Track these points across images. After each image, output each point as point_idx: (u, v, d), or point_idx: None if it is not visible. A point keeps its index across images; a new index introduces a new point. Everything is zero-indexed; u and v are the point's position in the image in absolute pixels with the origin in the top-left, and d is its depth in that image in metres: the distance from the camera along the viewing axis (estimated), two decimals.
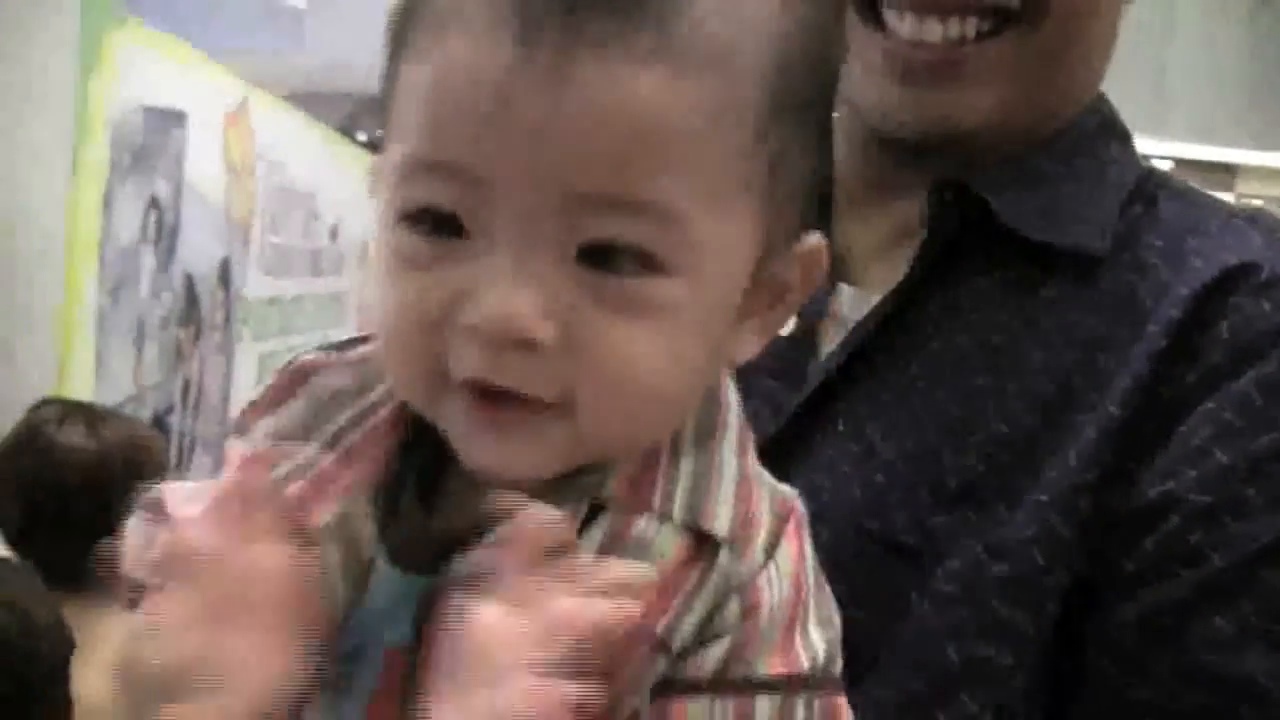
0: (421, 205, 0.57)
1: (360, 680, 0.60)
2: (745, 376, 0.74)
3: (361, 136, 6.51)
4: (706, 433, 0.62)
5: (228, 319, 4.70)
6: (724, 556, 0.59)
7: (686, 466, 0.60)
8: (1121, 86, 0.97)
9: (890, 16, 0.86)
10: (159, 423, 4.08)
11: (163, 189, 4.08)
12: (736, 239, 0.59)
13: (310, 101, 5.58)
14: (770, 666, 0.59)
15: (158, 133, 4.00)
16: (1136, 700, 0.76)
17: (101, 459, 2.08)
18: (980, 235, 0.86)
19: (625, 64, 0.54)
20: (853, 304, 0.89)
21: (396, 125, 0.59)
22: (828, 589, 0.64)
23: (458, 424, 0.58)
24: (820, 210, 0.73)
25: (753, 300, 0.62)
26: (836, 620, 0.64)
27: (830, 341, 0.89)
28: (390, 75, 0.60)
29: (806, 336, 0.89)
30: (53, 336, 3.64)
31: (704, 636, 0.58)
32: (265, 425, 0.65)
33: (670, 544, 0.58)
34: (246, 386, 4.83)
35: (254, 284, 4.89)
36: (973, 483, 0.80)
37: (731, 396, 0.65)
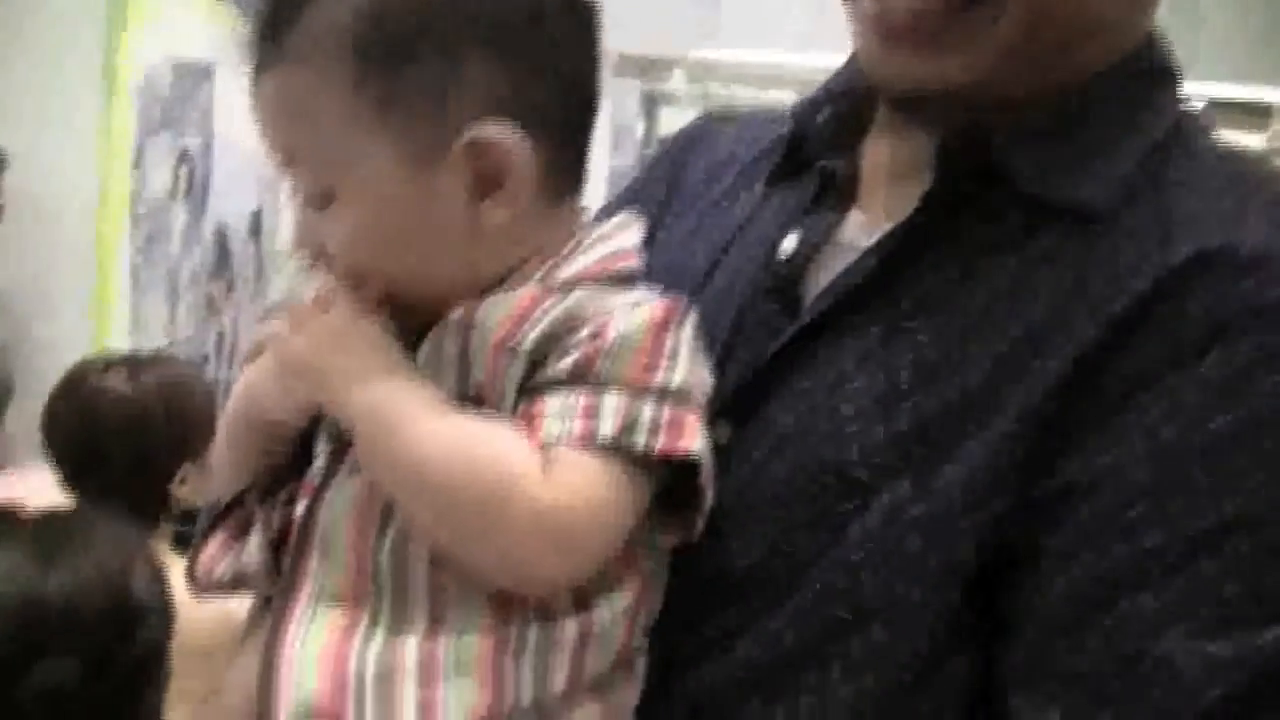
0: None
1: None
2: (750, 291, 0.90)
3: None
4: (592, 245, 0.86)
5: (260, 271, 4.72)
6: (575, 295, 0.81)
7: (557, 261, 0.85)
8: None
9: None
10: None
11: (193, 143, 4.09)
12: (367, 160, 0.81)
13: None
14: (621, 376, 0.78)
15: (187, 86, 4.00)
16: (1062, 670, 0.75)
17: (142, 403, 2.11)
18: (987, 182, 0.84)
19: (268, 70, 0.83)
20: (856, 232, 0.89)
21: None
22: (704, 366, 0.83)
23: None
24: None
25: (475, 185, 0.81)
26: (707, 383, 0.83)
27: (831, 265, 0.89)
28: None
29: (808, 258, 0.89)
30: (89, 292, 3.66)
31: (560, 354, 0.78)
32: None
33: (521, 294, 0.81)
34: None
35: (286, 235, 4.91)
36: (926, 425, 0.80)
37: (630, 234, 0.88)
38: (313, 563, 0.82)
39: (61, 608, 1.33)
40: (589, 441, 0.77)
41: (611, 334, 0.79)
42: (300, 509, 0.84)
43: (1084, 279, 0.80)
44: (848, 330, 0.85)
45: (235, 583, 0.91)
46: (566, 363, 0.78)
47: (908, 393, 0.81)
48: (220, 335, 4.41)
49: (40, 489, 2.26)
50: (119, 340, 3.69)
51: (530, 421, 0.79)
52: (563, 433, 0.77)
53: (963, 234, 0.84)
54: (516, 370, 0.80)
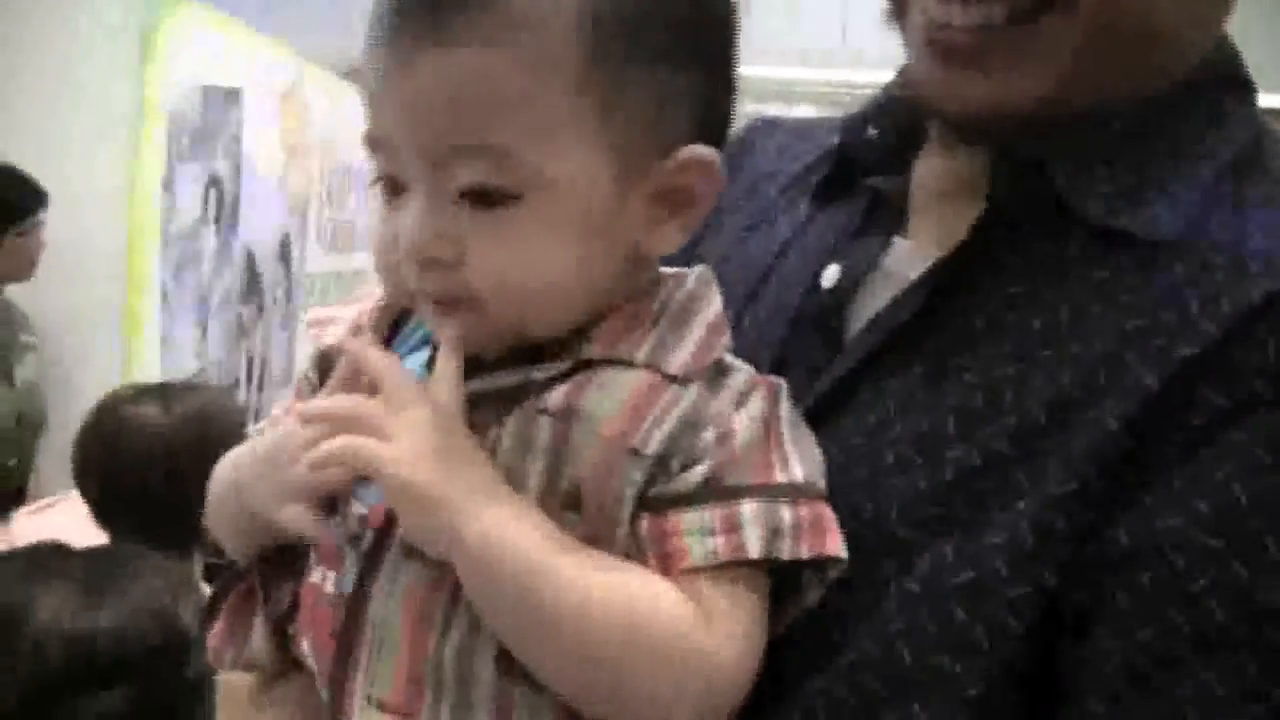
0: (379, 174, 0.77)
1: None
2: (792, 322, 0.86)
3: None
4: (686, 311, 0.79)
5: (289, 294, 4.75)
6: (693, 391, 0.74)
7: (658, 333, 0.77)
8: None
9: None
10: None
11: (222, 168, 4.12)
12: (576, 164, 0.73)
13: (363, 77, 5.60)
14: (751, 479, 0.72)
15: (216, 112, 4.04)
16: None
17: (173, 432, 2.12)
18: (1045, 206, 0.78)
19: (448, 47, 0.71)
20: (903, 260, 0.84)
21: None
22: (810, 440, 0.77)
23: (425, 316, 0.78)
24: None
25: (658, 205, 0.76)
26: (819, 459, 0.76)
27: (876, 296, 0.83)
28: None
29: (852, 288, 0.85)
30: (119, 317, 3.69)
31: (685, 460, 0.72)
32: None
33: (631, 382, 0.74)
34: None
35: (314, 259, 4.94)
36: (971, 477, 0.73)
37: (715, 294, 0.81)
38: (363, 659, 0.76)
39: (112, 641, 1.36)
40: (736, 560, 0.71)
41: (738, 438, 0.73)
42: (329, 586, 0.78)
43: (1147, 318, 0.73)
44: (893, 368, 0.79)
45: (245, 668, 0.86)
46: (696, 473, 0.72)
47: (952, 440, 0.74)
48: (250, 358, 4.44)
49: (73, 520, 2.28)
50: (150, 365, 3.72)
51: (663, 541, 0.72)
52: (707, 554, 0.71)
53: (1017, 264, 0.78)
54: (638, 474, 0.72)
